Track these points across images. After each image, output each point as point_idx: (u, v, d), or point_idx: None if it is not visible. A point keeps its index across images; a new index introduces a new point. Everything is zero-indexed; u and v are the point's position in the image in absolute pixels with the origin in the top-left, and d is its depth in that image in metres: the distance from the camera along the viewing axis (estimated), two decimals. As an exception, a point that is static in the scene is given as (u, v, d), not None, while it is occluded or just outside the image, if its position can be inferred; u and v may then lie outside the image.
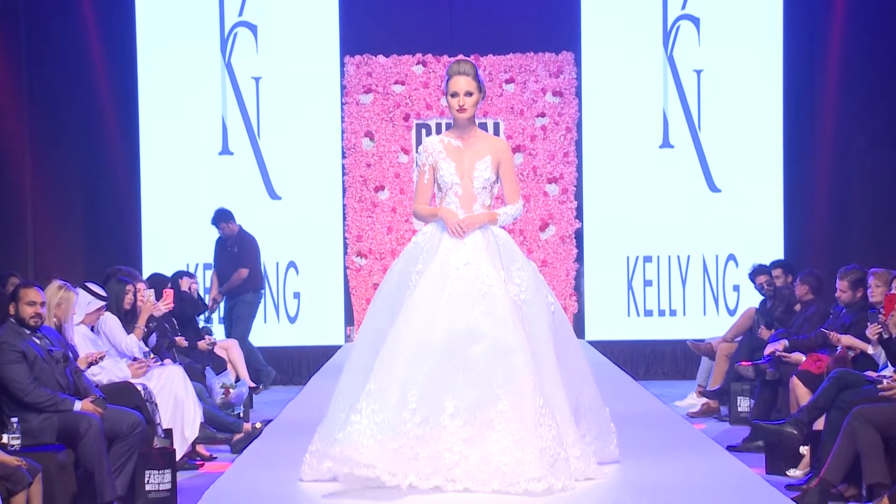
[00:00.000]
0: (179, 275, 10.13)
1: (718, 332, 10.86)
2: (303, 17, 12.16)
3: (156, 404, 7.32)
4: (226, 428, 8.25)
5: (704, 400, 9.81)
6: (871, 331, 7.12)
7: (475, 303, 5.43)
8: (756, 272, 10.04)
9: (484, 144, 5.76)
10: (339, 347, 11.83)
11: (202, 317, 10.40)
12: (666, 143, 12.21)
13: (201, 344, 9.42)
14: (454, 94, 5.67)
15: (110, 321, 7.90)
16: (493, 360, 5.35)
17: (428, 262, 5.56)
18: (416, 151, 5.57)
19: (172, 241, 11.47)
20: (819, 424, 6.96)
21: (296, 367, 12.14)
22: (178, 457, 7.22)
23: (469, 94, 5.66)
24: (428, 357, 5.31)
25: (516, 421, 5.26)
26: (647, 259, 12.23)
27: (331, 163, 12.23)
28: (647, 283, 12.22)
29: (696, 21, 12.16)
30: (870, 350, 7.60)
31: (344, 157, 12.24)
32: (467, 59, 5.77)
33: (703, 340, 10.41)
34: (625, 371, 10.54)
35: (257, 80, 12.16)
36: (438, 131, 12.15)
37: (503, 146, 5.84)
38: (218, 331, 11.18)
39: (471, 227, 5.62)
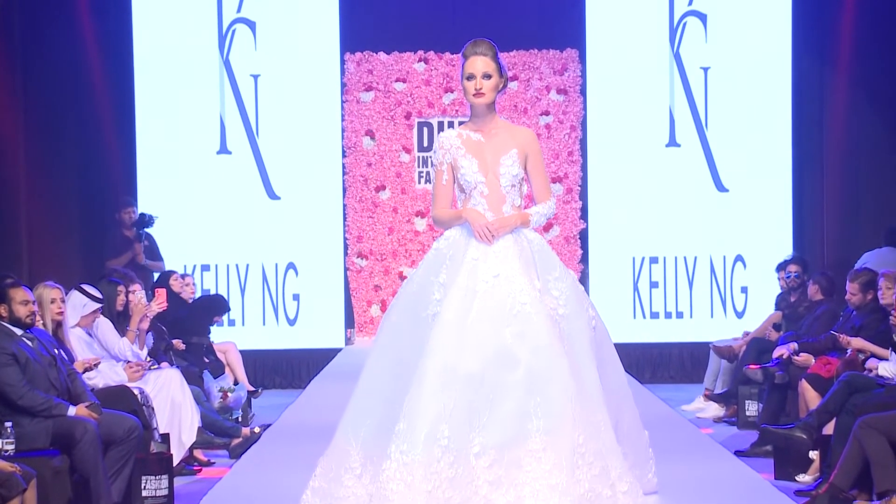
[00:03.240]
0: (170, 274, 10.14)
1: (725, 335, 10.85)
2: (302, 13, 12.16)
3: (152, 408, 7.32)
4: (224, 432, 8.24)
5: (712, 403, 9.81)
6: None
7: (506, 323, 4.88)
8: (790, 262, 9.98)
9: (507, 136, 5.19)
10: (339, 350, 11.83)
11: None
12: (672, 142, 12.20)
13: (176, 343, 9.33)
14: (470, 77, 5.11)
15: (103, 325, 7.90)
16: (527, 391, 4.78)
17: (453, 272, 5.01)
18: (432, 149, 5.16)
19: (169, 241, 11.45)
20: (829, 429, 6.96)
21: (295, 370, 12.13)
22: (175, 462, 7.22)
23: (487, 76, 5.10)
24: (455, 386, 4.79)
25: (551, 462, 4.70)
26: (654, 260, 12.22)
27: (331, 162, 12.22)
28: (654, 285, 12.21)
29: (702, 17, 12.15)
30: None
31: (344, 156, 12.24)
32: (486, 39, 5.16)
33: (707, 343, 10.40)
34: (630, 374, 10.52)
35: (256, 77, 12.16)
36: (441, 130, 12.14)
37: (529, 137, 5.24)
38: (216, 332, 11.17)
39: (501, 231, 5.05)
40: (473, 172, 5.12)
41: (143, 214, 10.91)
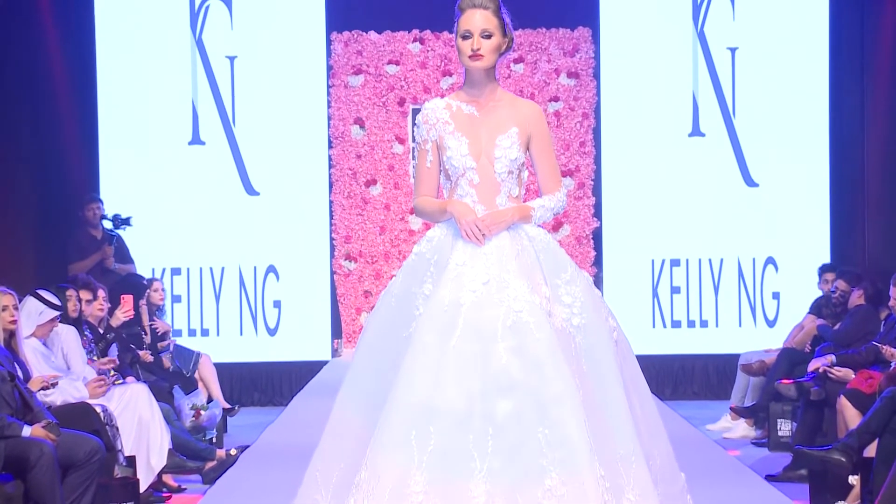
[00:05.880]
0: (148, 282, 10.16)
1: (754, 346, 10.85)
2: (284, -12, 12.17)
3: (117, 428, 7.31)
4: (196, 455, 8.24)
5: (740, 422, 9.81)
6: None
7: (499, 338, 4.43)
8: (837, 276, 10.01)
9: (508, 111, 4.73)
10: (325, 363, 11.83)
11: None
12: (696, 132, 12.20)
13: (143, 354, 9.33)
14: (466, 35, 4.64)
15: (68, 337, 7.87)
16: (531, 418, 4.35)
17: (438, 284, 4.58)
18: (415, 124, 4.74)
19: (135, 242, 11.44)
20: (870, 451, 6.95)
21: (276, 385, 12.12)
22: (142, 488, 7.21)
23: (487, 34, 4.63)
24: (434, 425, 4.35)
25: (573, 500, 4.28)
26: (675, 263, 12.22)
27: (316, 154, 12.22)
28: (675, 290, 12.21)
29: (730, -8, 12.17)
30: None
31: (331, 147, 12.24)
32: None
33: (735, 355, 10.37)
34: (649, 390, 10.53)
35: (232, 59, 12.16)
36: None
37: (535, 113, 4.77)
38: (191, 344, 11.16)
39: (494, 228, 4.61)
40: (462, 156, 4.68)
41: (117, 216, 10.89)
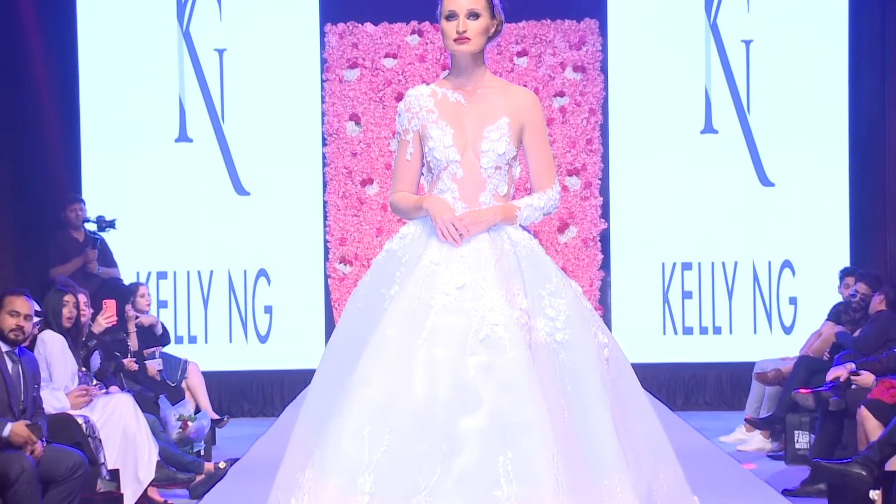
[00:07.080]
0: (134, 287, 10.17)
1: (770, 354, 10.84)
2: (275, -23, 12.18)
3: (100, 440, 7.31)
4: (183, 468, 8.24)
5: (756, 434, 9.81)
6: None
7: (469, 350, 4.25)
8: (858, 279, 10.01)
9: (498, 99, 4.58)
10: (318, 372, 11.81)
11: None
12: (709, 128, 12.20)
13: (128, 363, 9.35)
14: (451, 16, 4.51)
15: (56, 345, 7.86)
16: (493, 443, 4.13)
17: (407, 281, 4.45)
18: (397, 112, 4.69)
19: (119, 244, 11.45)
20: (892, 464, 6.95)
21: (267, 395, 12.12)
22: (128, 503, 7.21)
23: (474, 15, 4.50)
24: (389, 426, 4.17)
25: None
26: (687, 266, 12.22)
27: (309, 152, 12.22)
28: (687, 295, 12.21)
29: (744, -18, 12.18)
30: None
31: (325, 144, 12.23)
32: None
33: (750, 364, 10.37)
34: (660, 400, 10.52)
35: (221, 52, 12.16)
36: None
37: (528, 101, 4.62)
38: (178, 352, 11.16)
39: (473, 228, 4.47)
40: (445, 147, 4.55)
41: (101, 218, 10.88)
